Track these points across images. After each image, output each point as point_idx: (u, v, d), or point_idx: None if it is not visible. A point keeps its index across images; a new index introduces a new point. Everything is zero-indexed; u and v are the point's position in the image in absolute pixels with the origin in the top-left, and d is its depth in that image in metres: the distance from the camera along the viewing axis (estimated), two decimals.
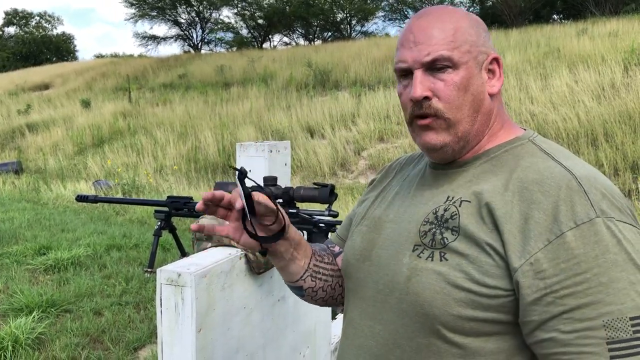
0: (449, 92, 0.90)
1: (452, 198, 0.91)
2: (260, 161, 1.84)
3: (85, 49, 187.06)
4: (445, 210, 0.90)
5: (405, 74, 0.94)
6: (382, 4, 31.56)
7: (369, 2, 31.05)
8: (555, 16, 24.96)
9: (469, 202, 0.88)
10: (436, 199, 0.93)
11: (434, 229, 0.89)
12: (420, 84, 0.90)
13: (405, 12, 32.22)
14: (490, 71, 0.94)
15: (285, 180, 1.92)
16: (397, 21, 32.63)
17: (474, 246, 0.84)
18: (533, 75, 10.14)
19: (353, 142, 9.49)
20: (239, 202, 0.94)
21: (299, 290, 1.12)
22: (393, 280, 0.92)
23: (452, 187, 0.93)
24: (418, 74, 0.91)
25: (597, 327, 0.75)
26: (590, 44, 11.21)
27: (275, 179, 1.69)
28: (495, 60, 0.94)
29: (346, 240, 1.12)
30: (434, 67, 0.90)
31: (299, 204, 1.72)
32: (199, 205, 0.97)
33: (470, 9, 29.49)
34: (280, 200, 1.68)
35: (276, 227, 1.00)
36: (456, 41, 0.90)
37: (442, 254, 0.86)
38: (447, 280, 0.84)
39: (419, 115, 0.92)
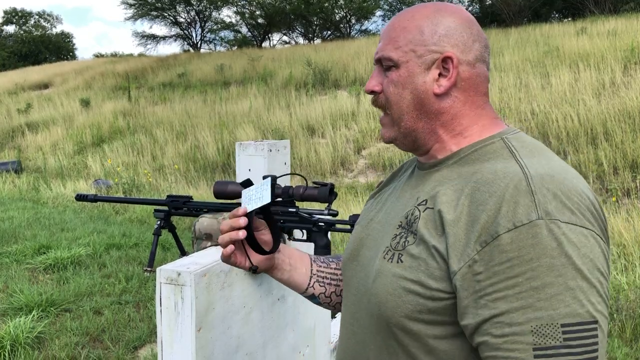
0: (388, 88, 0.95)
1: (419, 199, 0.92)
2: (259, 160, 1.84)
3: (83, 48, 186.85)
4: (412, 214, 0.91)
5: None
6: (381, 2, 31.54)
7: (368, 1, 31.02)
8: (555, 15, 24.94)
9: (431, 208, 0.88)
10: (410, 201, 0.94)
11: (403, 232, 0.91)
12: (373, 79, 0.98)
13: None
14: (446, 69, 0.93)
15: (285, 180, 1.92)
16: None
17: (425, 250, 0.84)
18: (533, 74, 10.14)
19: (353, 141, 9.49)
20: (242, 233, 1.01)
21: (314, 299, 1.17)
22: (366, 281, 0.94)
23: (423, 189, 0.94)
24: (375, 70, 0.99)
25: (525, 332, 0.74)
26: (589, 42, 11.21)
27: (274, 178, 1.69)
28: (449, 59, 0.92)
29: None
30: (383, 65, 0.96)
31: (298, 203, 1.71)
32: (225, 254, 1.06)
33: (469, 8, 29.47)
34: (280, 199, 1.68)
35: (268, 237, 1.09)
36: (400, 41, 0.94)
37: (400, 256, 0.88)
38: (399, 283, 0.86)
39: (377, 107, 1.00)
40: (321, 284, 1.14)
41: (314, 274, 1.14)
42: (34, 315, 3.73)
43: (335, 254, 1.28)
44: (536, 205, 0.77)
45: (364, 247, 1.01)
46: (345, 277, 1.05)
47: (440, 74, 0.93)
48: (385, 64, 0.95)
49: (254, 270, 1.07)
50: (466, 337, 0.82)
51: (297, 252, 1.15)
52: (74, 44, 52.56)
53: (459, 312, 0.81)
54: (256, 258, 1.07)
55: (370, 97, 1.02)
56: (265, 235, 1.10)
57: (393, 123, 0.97)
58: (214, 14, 34.13)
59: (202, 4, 32.46)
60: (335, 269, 1.17)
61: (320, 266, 1.16)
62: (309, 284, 1.14)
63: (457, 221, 0.82)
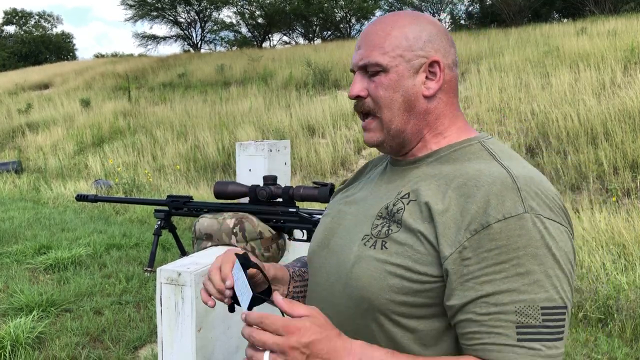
0: (378, 92, 1.00)
1: (401, 193, 0.99)
2: (260, 160, 1.84)
3: (83, 48, 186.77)
4: (394, 205, 0.97)
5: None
6: (381, 2, 31.54)
7: (368, 1, 31.02)
8: (554, 15, 24.93)
9: (415, 200, 0.95)
10: (389, 194, 1.01)
11: (383, 222, 0.97)
12: (356, 84, 1.02)
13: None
14: (432, 73, 1.00)
15: (285, 180, 1.92)
16: None
17: (412, 237, 0.91)
18: (533, 74, 10.14)
19: (353, 141, 9.49)
20: (229, 284, 1.02)
21: None
22: (341, 267, 0.99)
23: (403, 184, 1.00)
24: (357, 76, 1.02)
25: (510, 312, 0.82)
26: (589, 42, 11.20)
27: (275, 178, 1.69)
28: (436, 63, 1.00)
29: None
30: (368, 71, 1.00)
31: (298, 203, 1.72)
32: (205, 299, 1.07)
33: (470, 8, 29.49)
34: (280, 200, 1.68)
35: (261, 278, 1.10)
36: (386, 47, 0.99)
37: (384, 243, 0.94)
38: (384, 267, 0.92)
39: (361, 112, 1.04)
40: (297, 299, 1.18)
41: (290, 293, 1.17)
42: (34, 315, 3.73)
43: (303, 259, 1.32)
44: (522, 200, 0.86)
45: (335, 236, 1.06)
46: (313, 265, 1.10)
47: (427, 77, 1.00)
48: (371, 70, 1.00)
49: (231, 309, 1.07)
50: (444, 318, 0.90)
51: (280, 272, 1.16)
52: (74, 44, 52.58)
53: (447, 293, 0.88)
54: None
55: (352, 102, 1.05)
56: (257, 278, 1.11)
57: (382, 126, 1.01)
58: (214, 14, 34.14)
59: (202, 4, 32.46)
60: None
61: (296, 281, 1.19)
62: None
63: (446, 211, 0.89)
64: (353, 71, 1.05)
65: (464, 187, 0.90)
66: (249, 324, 0.85)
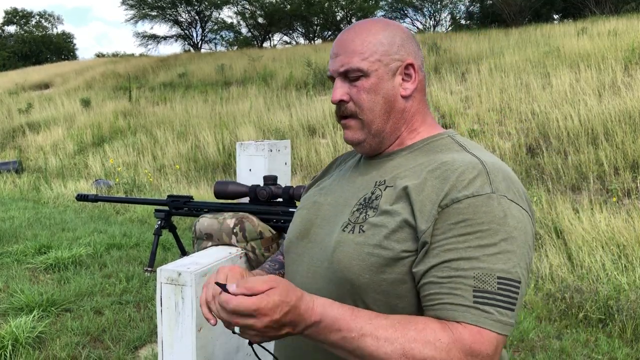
0: (360, 96, 1.07)
1: (378, 182, 1.06)
2: (260, 160, 1.84)
3: (83, 48, 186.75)
4: (372, 193, 1.05)
5: (333, 80, 1.10)
6: (381, 3, 31.54)
7: (369, 1, 31.01)
8: (555, 15, 24.92)
9: (392, 187, 1.02)
10: (367, 185, 1.08)
11: (362, 209, 1.04)
12: (338, 90, 1.08)
13: (405, 11, 32.21)
14: (407, 75, 1.09)
15: (285, 180, 1.92)
16: (397, 20, 32.58)
17: (387, 217, 0.98)
18: (533, 74, 10.13)
19: None
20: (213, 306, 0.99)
21: None
22: (324, 253, 1.06)
23: (380, 174, 1.08)
24: (337, 82, 1.09)
25: (469, 277, 0.89)
26: (590, 43, 11.20)
27: (275, 178, 1.69)
28: (411, 65, 1.08)
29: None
30: (349, 76, 1.07)
31: (298, 204, 1.71)
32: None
33: (470, 8, 29.47)
34: (280, 199, 1.68)
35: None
36: (365, 53, 1.06)
37: (361, 227, 1.01)
38: (362, 249, 0.98)
39: (341, 115, 1.10)
40: None
41: None
42: (34, 315, 3.74)
43: (273, 257, 1.38)
44: (490, 182, 0.95)
45: (314, 227, 1.13)
46: (292, 255, 1.16)
47: (403, 79, 1.08)
48: (352, 75, 1.06)
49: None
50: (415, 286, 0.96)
51: (262, 275, 1.19)
52: (74, 44, 52.59)
53: (415, 262, 0.95)
54: None
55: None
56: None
57: (363, 126, 1.08)
58: (214, 14, 34.14)
59: (203, 4, 32.45)
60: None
61: None
62: None
63: (422, 191, 0.97)
64: (332, 78, 1.10)
65: (438, 171, 0.98)
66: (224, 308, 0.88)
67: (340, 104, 1.09)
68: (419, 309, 0.97)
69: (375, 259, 0.97)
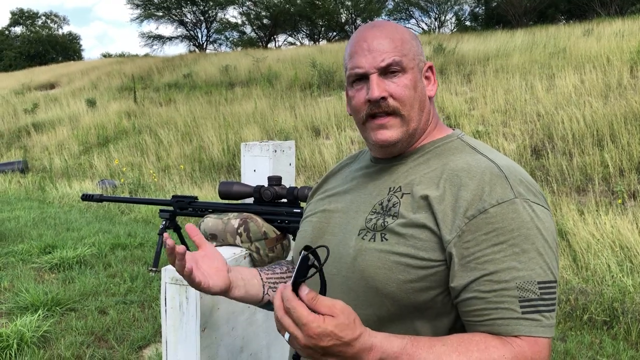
0: (402, 92, 1.03)
1: (394, 189, 1.04)
2: (264, 161, 1.84)
3: (86, 48, 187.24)
4: (389, 200, 1.03)
5: (360, 78, 1.05)
6: (387, 3, 31.52)
7: (375, 2, 30.99)
8: (560, 16, 24.84)
9: (409, 194, 1.01)
10: (380, 191, 1.06)
11: (377, 216, 1.02)
12: (378, 86, 1.03)
13: (411, 12, 32.18)
14: (427, 77, 1.09)
15: (289, 180, 1.92)
16: (402, 21, 32.57)
17: (410, 227, 0.97)
18: (539, 75, 10.10)
19: (358, 142, 9.48)
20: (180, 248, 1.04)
21: (269, 305, 1.23)
22: (340, 262, 1.03)
23: (393, 179, 1.06)
24: (374, 78, 1.03)
25: (512, 288, 0.90)
26: (595, 44, 11.16)
27: (279, 178, 1.69)
28: (430, 68, 1.10)
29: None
30: (388, 71, 1.03)
31: (303, 204, 1.71)
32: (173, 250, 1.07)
33: (476, 9, 29.41)
34: (285, 200, 1.68)
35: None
36: (403, 49, 1.04)
37: (383, 235, 0.99)
38: (389, 258, 0.97)
39: (374, 114, 1.05)
40: (273, 290, 1.21)
41: (266, 282, 1.21)
42: (39, 314, 3.75)
43: (276, 261, 1.37)
44: (511, 187, 0.94)
45: (326, 234, 1.10)
46: None
47: (426, 80, 1.09)
48: (392, 69, 1.03)
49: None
50: (444, 297, 0.96)
51: (245, 267, 1.23)
52: (80, 45, 52.76)
53: (450, 275, 0.94)
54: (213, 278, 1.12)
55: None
56: (210, 268, 1.12)
57: (403, 124, 1.05)
58: (219, 14, 34.19)
59: (208, 5, 32.51)
60: (281, 273, 1.26)
61: (268, 274, 1.23)
62: (264, 291, 1.20)
63: (442, 200, 0.96)
64: (363, 76, 1.04)
65: (456, 178, 0.97)
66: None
67: (380, 101, 1.03)
68: (444, 315, 0.98)
69: (402, 267, 0.96)
